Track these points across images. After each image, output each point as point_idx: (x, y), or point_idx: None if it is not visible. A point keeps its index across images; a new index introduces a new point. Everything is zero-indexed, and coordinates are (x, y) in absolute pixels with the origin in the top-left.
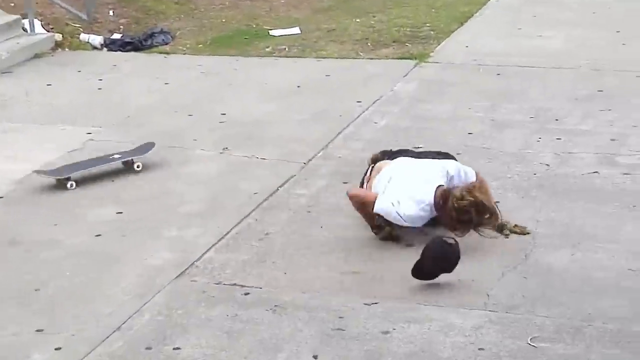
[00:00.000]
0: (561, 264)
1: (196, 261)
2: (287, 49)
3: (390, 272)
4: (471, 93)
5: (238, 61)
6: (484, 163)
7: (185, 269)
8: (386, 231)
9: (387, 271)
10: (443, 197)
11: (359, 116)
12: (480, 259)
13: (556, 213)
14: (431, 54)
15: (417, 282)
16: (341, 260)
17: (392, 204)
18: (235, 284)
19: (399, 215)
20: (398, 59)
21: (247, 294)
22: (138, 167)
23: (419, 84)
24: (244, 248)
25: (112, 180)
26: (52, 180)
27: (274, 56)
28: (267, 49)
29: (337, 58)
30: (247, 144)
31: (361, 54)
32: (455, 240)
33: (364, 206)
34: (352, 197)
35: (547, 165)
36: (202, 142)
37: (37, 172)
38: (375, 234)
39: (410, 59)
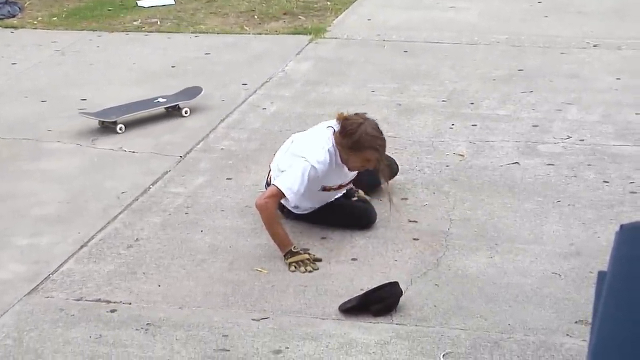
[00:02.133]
0: (477, 269)
1: (52, 274)
2: (159, 23)
3: (282, 282)
4: (374, 73)
5: (100, 37)
6: (390, 154)
7: (39, 284)
8: (301, 260)
9: (278, 281)
10: (340, 126)
11: (244, 101)
12: (384, 263)
13: (472, 211)
14: (328, 28)
15: (312, 293)
16: (225, 270)
17: (303, 160)
18: (99, 300)
19: (312, 167)
20: (290, 34)
21: (113, 311)
22: None
23: (314, 63)
24: (109, 257)
25: None
26: None
27: (144, 31)
28: (135, 23)
29: (218, 33)
30: (113, 135)
31: (247, 28)
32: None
33: (274, 223)
34: (262, 210)
35: (462, 155)
36: (58, 133)
37: None
38: (289, 265)
39: (304, 34)
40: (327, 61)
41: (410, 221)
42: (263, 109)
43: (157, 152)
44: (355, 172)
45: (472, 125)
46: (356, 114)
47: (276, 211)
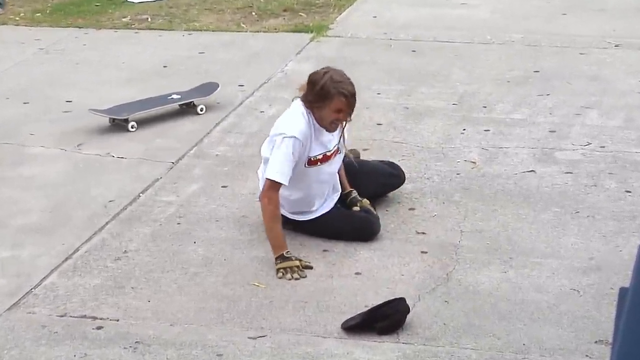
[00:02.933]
0: (490, 285)
1: (34, 288)
2: (149, 20)
3: (281, 297)
4: (380, 74)
5: (87, 34)
6: (397, 161)
7: (21, 299)
8: (289, 266)
9: (277, 297)
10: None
11: (241, 104)
12: (390, 278)
13: (484, 222)
14: (331, 26)
15: (313, 309)
16: (219, 284)
17: (282, 136)
18: (85, 316)
19: (293, 138)
20: (290, 32)
21: (100, 328)
22: None
23: (315, 63)
24: (96, 270)
25: None
26: None
27: (133, 28)
28: (124, 20)
29: (213, 31)
30: (100, 139)
31: (244, 25)
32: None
33: (274, 219)
34: (264, 205)
35: (474, 163)
36: (41, 137)
37: None
38: (277, 270)
39: (305, 32)
40: (330, 61)
41: (418, 233)
42: (261, 112)
43: (147, 157)
44: (337, 136)
45: (485, 130)
46: (322, 68)
47: (278, 207)
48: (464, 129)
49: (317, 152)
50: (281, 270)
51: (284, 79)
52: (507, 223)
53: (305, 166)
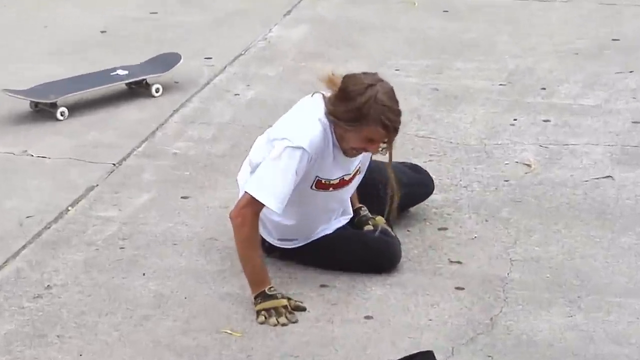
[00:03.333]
0: (550, 333)
1: None
2: None
3: (262, 350)
4: (400, 44)
5: None
6: (423, 162)
7: None
8: (274, 307)
9: (257, 349)
10: (337, 86)
11: (207, 83)
12: (412, 324)
13: (542, 247)
14: None
15: None
16: (178, 332)
17: (286, 142)
18: None
19: (301, 149)
20: None
21: None
22: None
23: (310, 27)
24: (7, 312)
25: None
26: None
27: None
28: None
29: None
30: (16, 132)
31: None
32: None
33: (250, 247)
34: (236, 226)
35: (528, 165)
36: None
37: None
38: (257, 313)
39: None
40: (330, 25)
41: (451, 262)
42: (235, 95)
43: (80, 157)
44: (362, 160)
45: (544, 120)
46: (364, 73)
47: (257, 230)
48: (515, 119)
49: (331, 175)
50: (263, 312)
51: (266, 50)
52: (575, 249)
53: (311, 188)
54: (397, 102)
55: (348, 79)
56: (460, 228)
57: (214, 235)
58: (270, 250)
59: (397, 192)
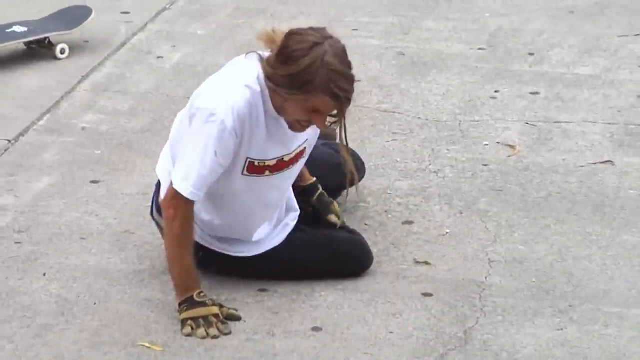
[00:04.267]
0: (536, 349)
1: None
2: None
3: None
4: None
5: None
6: (385, 142)
7: None
8: (202, 316)
9: None
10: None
11: (124, 44)
12: (370, 337)
13: (527, 246)
14: None
15: None
16: (85, 345)
17: (205, 116)
18: None
19: (221, 122)
20: None
21: None
22: None
23: None
24: None
25: None
26: None
27: None
28: None
29: None
30: None
31: None
32: None
33: (180, 243)
34: (167, 218)
35: (512, 147)
36: None
37: None
38: (182, 323)
39: None
40: None
41: (418, 263)
42: (158, 57)
43: None
44: (308, 139)
45: (532, 93)
46: (311, 28)
47: (192, 225)
48: (497, 91)
49: (266, 154)
50: (189, 322)
51: (196, 4)
52: (567, 248)
53: (243, 174)
54: (349, 65)
55: (290, 36)
56: (428, 222)
57: (130, 228)
58: (208, 261)
59: (357, 174)
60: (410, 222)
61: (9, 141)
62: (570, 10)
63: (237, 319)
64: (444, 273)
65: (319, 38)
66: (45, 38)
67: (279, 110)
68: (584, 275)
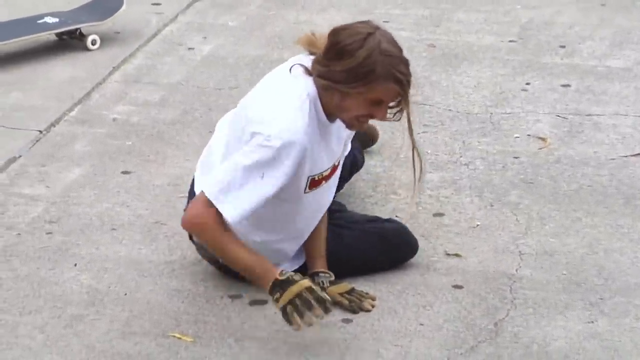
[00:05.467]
0: (567, 342)
1: None
2: None
3: (217, 358)
4: None
5: None
6: (416, 135)
7: None
8: (299, 295)
9: (211, 357)
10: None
11: (155, 35)
12: (400, 329)
13: (558, 238)
14: None
15: None
16: (116, 335)
17: (261, 139)
18: None
19: (295, 146)
20: None
21: None
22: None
23: None
24: None
25: None
26: None
27: None
28: None
29: None
30: None
31: None
32: None
33: (225, 240)
34: (196, 227)
35: (543, 140)
36: None
37: None
38: (283, 310)
39: None
40: None
41: (448, 255)
42: (189, 49)
43: None
44: (345, 138)
45: (563, 85)
46: (356, 22)
47: (227, 226)
48: (528, 84)
49: (323, 164)
50: (288, 309)
51: None
52: (598, 240)
53: (305, 192)
54: (402, 50)
55: (338, 31)
56: (459, 214)
57: (161, 219)
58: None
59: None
60: (440, 214)
61: (41, 132)
62: (601, 2)
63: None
64: (474, 265)
65: (369, 29)
66: (77, 29)
67: (336, 110)
68: (615, 268)
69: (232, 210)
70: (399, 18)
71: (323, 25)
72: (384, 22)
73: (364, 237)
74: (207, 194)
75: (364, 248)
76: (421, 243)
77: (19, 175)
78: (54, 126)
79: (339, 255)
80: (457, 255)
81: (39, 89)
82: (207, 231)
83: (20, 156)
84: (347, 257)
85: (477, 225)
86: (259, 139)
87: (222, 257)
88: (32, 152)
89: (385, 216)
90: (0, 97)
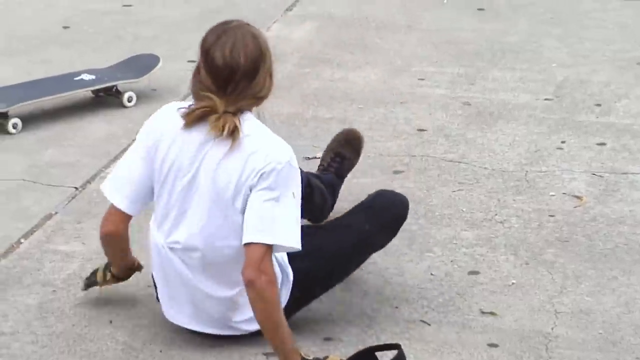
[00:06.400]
0: None
1: None
2: None
3: None
4: (426, 47)
5: None
6: (452, 192)
7: None
8: None
9: None
10: None
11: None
12: None
13: (595, 297)
14: None
15: None
16: None
17: (287, 164)
18: None
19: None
20: None
21: None
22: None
23: (317, 25)
24: None
25: None
26: None
27: None
28: None
29: None
30: None
31: None
32: None
33: (278, 306)
34: (261, 286)
35: (579, 198)
36: None
37: None
38: None
39: None
40: (341, 23)
41: (484, 313)
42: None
43: (35, 178)
44: None
45: (598, 144)
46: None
47: None
48: (563, 142)
49: None
50: None
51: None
52: (634, 299)
53: None
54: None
55: (211, 42)
56: (494, 272)
57: None
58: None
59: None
60: (476, 272)
61: (76, 188)
62: (637, 61)
63: None
64: (510, 323)
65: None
66: (113, 86)
67: None
68: None
69: (298, 241)
70: (435, 76)
71: (358, 82)
72: (419, 79)
73: (348, 216)
74: (294, 245)
75: (350, 222)
76: (456, 301)
77: (55, 232)
78: (90, 183)
79: (327, 248)
80: (492, 313)
81: (75, 146)
82: (267, 288)
83: (56, 213)
84: (337, 242)
85: (513, 283)
86: (284, 168)
87: (271, 318)
88: (68, 208)
89: (419, 274)
90: (36, 153)
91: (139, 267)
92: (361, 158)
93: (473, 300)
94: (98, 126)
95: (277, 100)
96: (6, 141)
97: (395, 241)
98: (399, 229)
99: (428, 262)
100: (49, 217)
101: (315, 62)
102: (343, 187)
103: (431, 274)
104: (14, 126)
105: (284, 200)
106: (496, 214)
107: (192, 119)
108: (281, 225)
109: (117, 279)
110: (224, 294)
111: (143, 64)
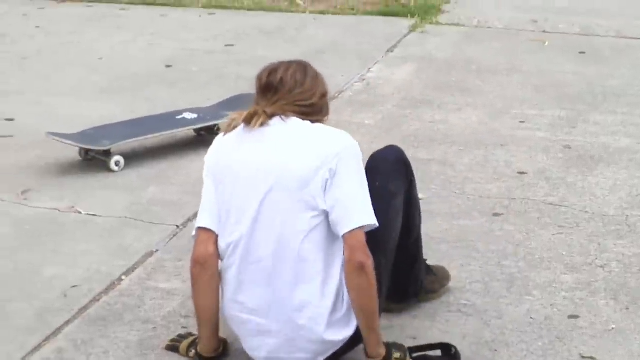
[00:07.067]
0: None
1: None
2: None
3: None
4: (526, 90)
5: (43, 10)
6: (551, 235)
7: None
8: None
9: None
10: None
11: None
12: None
13: None
14: (444, 7)
15: None
16: None
17: (352, 147)
18: None
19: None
20: (377, 15)
21: None
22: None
23: (417, 67)
24: None
25: None
26: None
27: (119, 2)
28: None
29: (249, 10)
30: (61, 184)
31: (300, 2)
32: None
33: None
34: (368, 270)
35: None
36: None
37: None
38: None
39: (403, 15)
40: (442, 65)
41: (583, 357)
42: None
43: (137, 216)
44: None
45: None
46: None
47: None
48: None
49: None
50: None
51: (365, 93)
52: None
53: None
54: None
55: (270, 71)
56: (594, 317)
57: None
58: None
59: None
60: (575, 316)
61: (177, 226)
62: None
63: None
64: None
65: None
66: (215, 125)
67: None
68: None
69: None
70: (535, 119)
71: (459, 124)
72: (519, 122)
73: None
74: (367, 222)
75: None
76: (556, 345)
77: (155, 269)
78: (191, 221)
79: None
80: (592, 358)
81: (176, 184)
82: (372, 274)
83: (157, 250)
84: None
85: (613, 328)
86: (348, 149)
87: (374, 300)
88: (169, 246)
89: (519, 317)
90: (138, 191)
91: (225, 349)
92: (461, 200)
93: (573, 344)
94: (199, 165)
95: (376, 140)
96: (109, 178)
97: (494, 283)
98: (409, 169)
99: (527, 306)
100: (150, 254)
101: (416, 104)
102: (442, 228)
103: (531, 318)
104: (117, 164)
105: (358, 178)
106: (596, 258)
107: (232, 125)
108: (368, 206)
109: (200, 357)
110: None
111: (243, 103)
